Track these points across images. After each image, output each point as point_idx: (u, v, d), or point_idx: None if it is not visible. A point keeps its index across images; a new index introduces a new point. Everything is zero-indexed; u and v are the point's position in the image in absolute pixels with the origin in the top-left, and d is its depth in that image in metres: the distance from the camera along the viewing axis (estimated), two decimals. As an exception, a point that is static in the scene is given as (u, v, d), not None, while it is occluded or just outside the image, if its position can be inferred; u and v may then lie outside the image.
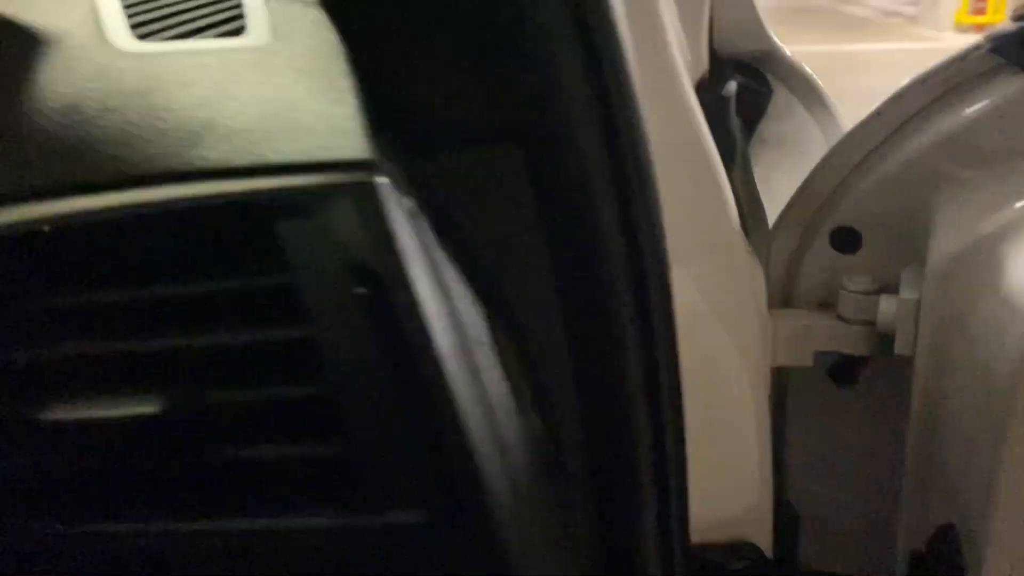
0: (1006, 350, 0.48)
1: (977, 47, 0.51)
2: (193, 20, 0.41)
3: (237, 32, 0.40)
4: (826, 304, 0.65)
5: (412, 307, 0.28)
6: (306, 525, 0.29)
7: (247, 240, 0.29)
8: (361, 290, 0.28)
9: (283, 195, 0.30)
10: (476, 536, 0.29)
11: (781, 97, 0.90)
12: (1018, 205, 0.49)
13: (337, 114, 0.33)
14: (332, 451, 0.28)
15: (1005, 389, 0.48)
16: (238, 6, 0.43)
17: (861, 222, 0.61)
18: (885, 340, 0.60)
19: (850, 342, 0.62)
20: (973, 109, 0.51)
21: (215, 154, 0.31)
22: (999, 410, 0.48)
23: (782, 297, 0.67)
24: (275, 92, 0.36)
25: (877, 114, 0.56)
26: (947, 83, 0.52)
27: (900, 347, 0.58)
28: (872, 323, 0.61)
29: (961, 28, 8.39)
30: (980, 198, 0.51)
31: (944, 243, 0.53)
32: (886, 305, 0.58)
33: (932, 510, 0.58)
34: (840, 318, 0.63)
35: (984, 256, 0.50)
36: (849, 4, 11.93)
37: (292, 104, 0.35)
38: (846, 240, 0.63)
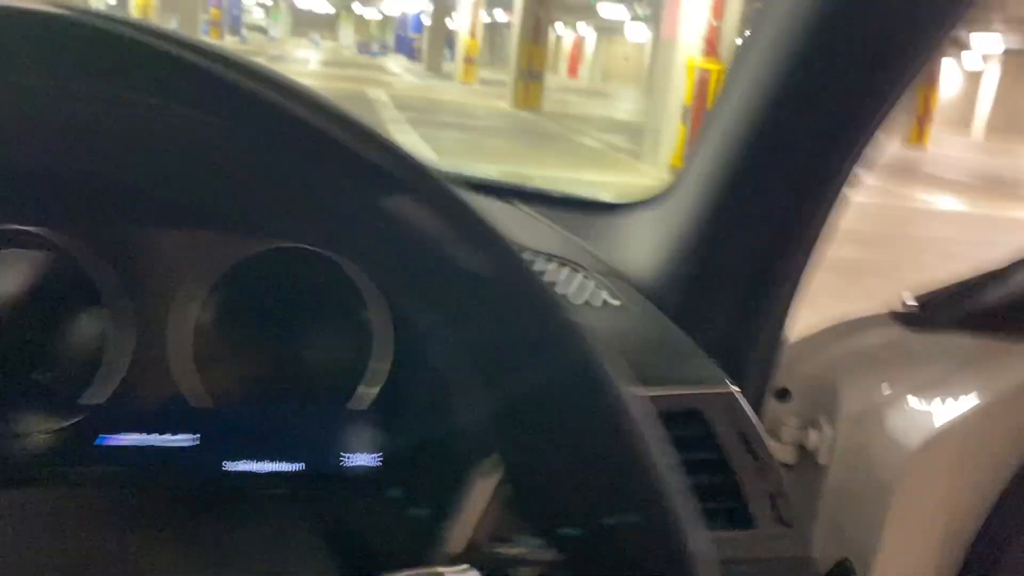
0: (890, 463, 0.96)
1: (880, 313, 1.01)
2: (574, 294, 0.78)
3: (597, 296, 0.78)
4: (770, 431, 1.11)
5: (760, 432, 0.69)
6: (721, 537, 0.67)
7: (698, 419, 0.68)
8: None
9: (712, 397, 0.69)
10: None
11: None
12: (888, 389, 0.99)
13: (693, 348, 0.73)
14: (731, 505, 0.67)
15: (889, 479, 0.95)
16: (587, 281, 0.80)
17: (792, 386, 1.08)
18: (808, 454, 1.07)
19: (786, 456, 1.09)
20: (870, 341, 1.00)
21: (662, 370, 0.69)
22: (887, 488, 0.96)
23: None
24: (663, 333, 0.74)
25: (812, 338, 1.04)
26: (855, 326, 1.01)
27: (822, 459, 1.04)
28: (802, 445, 1.07)
29: (675, 171, 9.94)
30: (869, 382, 1.00)
31: (849, 406, 1.01)
32: (814, 436, 1.05)
33: (832, 552, 1.05)
34: (780, 441, 1.09)
35: (875, 415, 0.99)
36: (582, 135, 13.59)
37: (679, 339, 0.74)
38: (782, 395, 1.09)
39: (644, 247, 0.86)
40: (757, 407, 0.84)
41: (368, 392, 0.69)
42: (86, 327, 0.65)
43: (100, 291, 0.65)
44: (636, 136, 12.29)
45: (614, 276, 0.87)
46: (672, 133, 9.96)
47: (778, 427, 1.09)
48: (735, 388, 0.71)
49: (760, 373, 0.82)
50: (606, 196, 1.04)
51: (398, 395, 0.68)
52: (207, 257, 0.67)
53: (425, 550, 0.51)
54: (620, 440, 0.33)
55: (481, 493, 0.54)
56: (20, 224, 0.62)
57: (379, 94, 15.58)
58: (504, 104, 16.95)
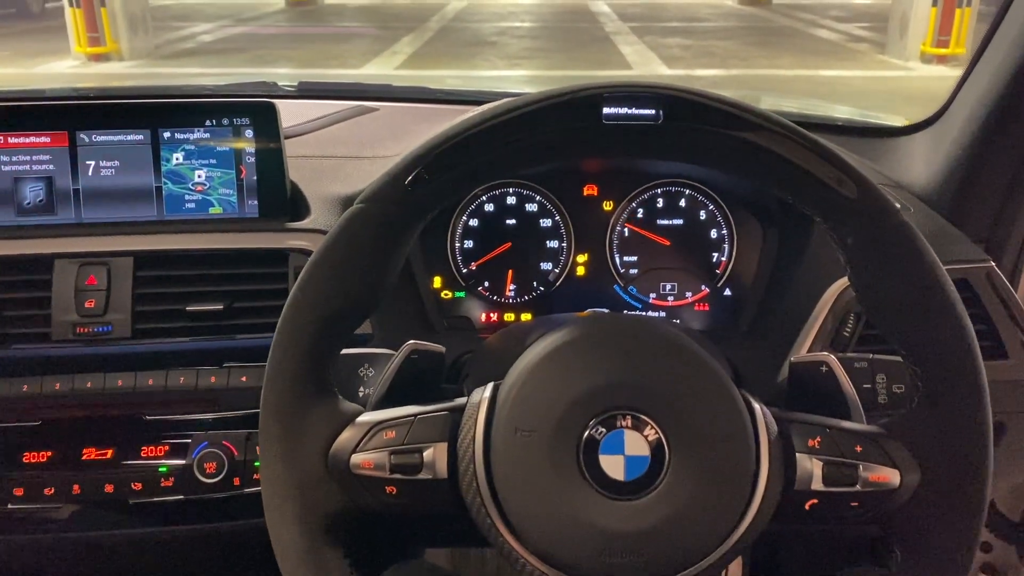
0: None
1: None
2: None
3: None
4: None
5: (1011, 291, 0.97)
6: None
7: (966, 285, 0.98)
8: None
9: (976, 270, 0.97)
10: None
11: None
12: None
13: (961, 236, 1.02)
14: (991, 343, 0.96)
15: None
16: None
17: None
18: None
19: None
20: None
21: None
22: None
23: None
24: (938, 226, 1.04)
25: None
26: None
27: None
28: None
29: (925, 59, 9.25)
30: None
31: None
32: None
33: None
34: None
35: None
36: (817, 27, 12.87)
37: (949, 230, 1.04)
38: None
39: (919, 163, 1.13)
40: (1013, 282, 1.11)
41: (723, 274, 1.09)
42: (550, 238, 1.10)
43: (557, 217, 1.09)
44: (879, 24, 11.47)
45: (895, 186, 1.14)
46: (922, 17, 9.22)
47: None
48: (993, 263, 0.98)
49: (1015, 256, 1.07)
50: (885, 119, 1.31)
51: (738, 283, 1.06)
52: (618, 193, 1.09)
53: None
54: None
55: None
56: (524, 181, 1.19)
57: (600, 6, 15.60)
58: (730, 0, 16.32)
